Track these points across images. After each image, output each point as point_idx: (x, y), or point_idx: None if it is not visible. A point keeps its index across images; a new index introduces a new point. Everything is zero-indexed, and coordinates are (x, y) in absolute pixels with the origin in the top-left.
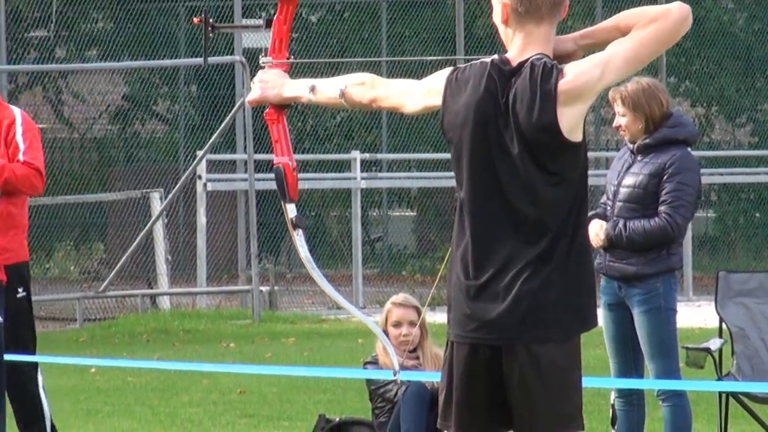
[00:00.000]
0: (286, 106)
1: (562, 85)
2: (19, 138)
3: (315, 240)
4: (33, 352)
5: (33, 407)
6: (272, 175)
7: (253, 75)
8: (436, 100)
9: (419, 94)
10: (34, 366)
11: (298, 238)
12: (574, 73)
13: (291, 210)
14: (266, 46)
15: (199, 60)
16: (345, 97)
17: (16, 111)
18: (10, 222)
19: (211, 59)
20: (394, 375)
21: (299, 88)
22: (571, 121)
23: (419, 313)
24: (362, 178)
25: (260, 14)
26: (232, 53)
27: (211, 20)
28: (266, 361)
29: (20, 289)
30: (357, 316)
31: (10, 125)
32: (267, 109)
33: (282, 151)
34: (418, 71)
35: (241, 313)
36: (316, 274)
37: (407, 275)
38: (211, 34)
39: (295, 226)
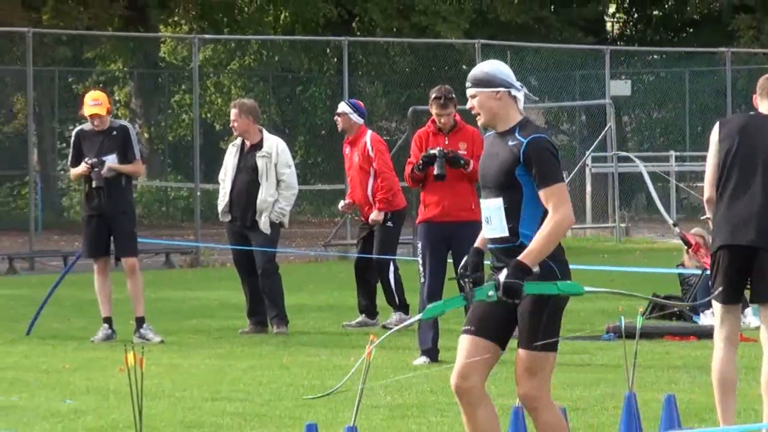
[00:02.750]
0: None
1: None
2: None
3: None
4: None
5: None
6: (627, 162)
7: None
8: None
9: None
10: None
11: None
12: None
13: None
14: (622, 94)
15: (586, 102)
16: None
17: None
18: None
19: (592, 102)
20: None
21: None
22: None
23: (704, 237)
24: (675, 166)
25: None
26: (604, 98)
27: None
28: (624, 264)
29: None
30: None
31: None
32: None
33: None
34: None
35: (610, 239)
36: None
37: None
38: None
39: (674, 225)
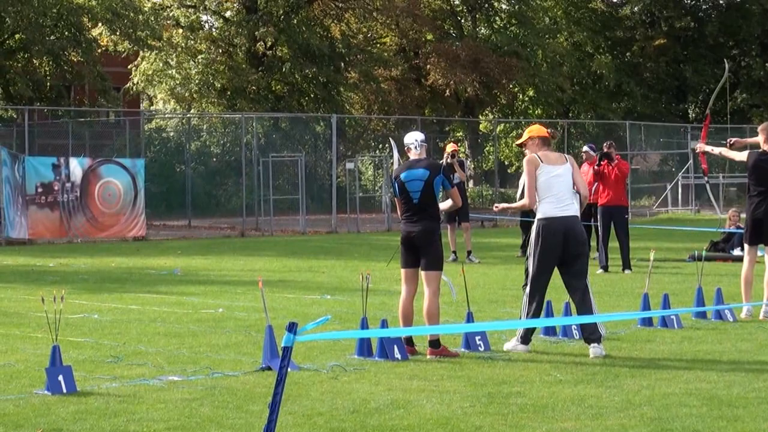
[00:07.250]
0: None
1: None
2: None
3: None
4: None
5: None
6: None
7: None
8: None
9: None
10: None
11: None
12: None
13: None
14: None
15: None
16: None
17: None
18: None
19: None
20: None
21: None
22: None
23: (738, 212)
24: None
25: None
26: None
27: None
28: (697, 226)
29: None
30: None
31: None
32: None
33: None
34: None
35: (690, 214)
36: None
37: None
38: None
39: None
